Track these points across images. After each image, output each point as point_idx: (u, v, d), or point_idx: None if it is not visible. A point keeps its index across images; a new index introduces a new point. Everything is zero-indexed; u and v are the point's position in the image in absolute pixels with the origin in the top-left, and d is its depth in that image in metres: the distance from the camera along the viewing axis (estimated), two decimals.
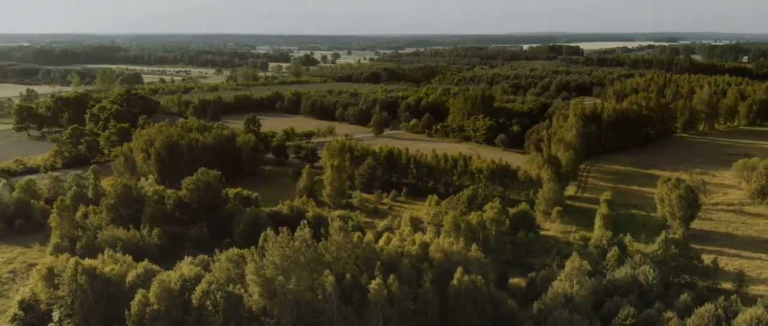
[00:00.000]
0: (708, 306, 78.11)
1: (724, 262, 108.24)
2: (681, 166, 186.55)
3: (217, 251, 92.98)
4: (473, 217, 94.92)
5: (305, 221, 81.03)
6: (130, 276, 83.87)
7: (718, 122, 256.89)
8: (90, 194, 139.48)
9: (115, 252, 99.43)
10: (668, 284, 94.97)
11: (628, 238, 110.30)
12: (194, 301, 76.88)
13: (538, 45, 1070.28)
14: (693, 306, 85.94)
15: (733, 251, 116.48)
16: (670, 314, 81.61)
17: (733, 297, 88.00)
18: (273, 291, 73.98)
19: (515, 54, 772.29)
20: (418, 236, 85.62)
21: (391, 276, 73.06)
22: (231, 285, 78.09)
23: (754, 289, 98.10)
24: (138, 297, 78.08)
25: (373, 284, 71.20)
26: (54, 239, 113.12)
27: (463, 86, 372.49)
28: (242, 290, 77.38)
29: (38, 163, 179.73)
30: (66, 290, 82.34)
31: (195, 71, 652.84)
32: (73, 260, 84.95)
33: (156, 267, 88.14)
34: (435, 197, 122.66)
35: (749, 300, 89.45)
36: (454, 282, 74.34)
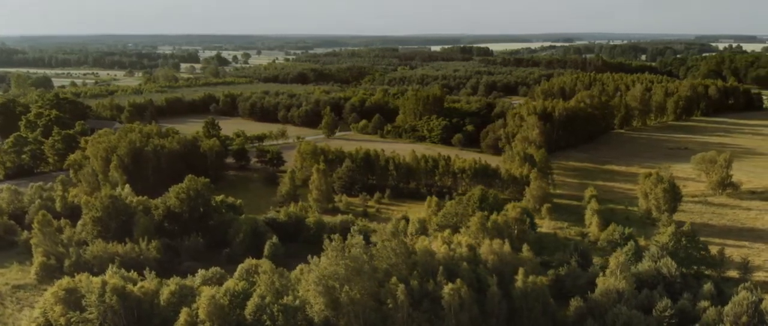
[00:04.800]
0: (744, 294, 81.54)
1: (714, 251, 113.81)
2: (634, 161, 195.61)
3: (211, 262, 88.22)
4: (499, 217, 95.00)
5: (355, 228, 78.41)
6: (165, 294, 77.97)
7: (649, 119, 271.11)
8: (58, 206, 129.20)
9: (119, 269, 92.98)
10: (682, 275, 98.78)
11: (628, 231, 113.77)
12: (248, 316, 72.56)
13: (450, 46, 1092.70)
14: (716, 295, 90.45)
15: (717, 240, 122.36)
16: (704, 303, 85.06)
17: (747, 285, 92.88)
18: (336, 301, 70.95)
19: (432, 55, 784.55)
20: (464, 239, 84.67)
21: (458, 281, 71.75)
22: (284, 298, 74.32)
23: (756, 276, 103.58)
24: (183, 315, 72.65)
25: (446, 289, 69.81)
26: (38, 257, 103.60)
27: (399, 87, 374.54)
28: (297, 301, 73.78)
29: None
30: (95, 312, 75.51)
31: (103, 74, 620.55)
32: (98, 279, 78.33)
33: (189, 283, 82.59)
34: (434, 199, 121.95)
35: (758, 288, 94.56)
36: (519, 283, 74.00)
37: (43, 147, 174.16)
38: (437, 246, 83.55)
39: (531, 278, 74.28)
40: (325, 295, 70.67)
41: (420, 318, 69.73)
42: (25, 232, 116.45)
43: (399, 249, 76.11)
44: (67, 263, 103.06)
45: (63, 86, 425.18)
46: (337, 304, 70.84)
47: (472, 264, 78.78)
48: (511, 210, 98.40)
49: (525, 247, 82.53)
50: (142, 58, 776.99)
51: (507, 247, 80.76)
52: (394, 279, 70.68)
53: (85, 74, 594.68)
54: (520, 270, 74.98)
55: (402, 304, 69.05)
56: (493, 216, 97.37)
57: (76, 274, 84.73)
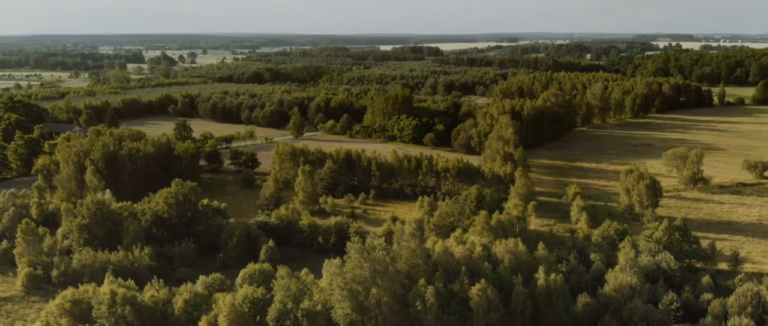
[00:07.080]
0: (748, 285, 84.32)
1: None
2: (602, 158, 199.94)
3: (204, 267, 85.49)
4: (503, 216, 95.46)
5: (375, 231, 77.39)
6: (179, 302, 75.27)
7: (608, 116, 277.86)
8: (35, 214, 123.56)
9: (116, 278, 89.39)
10: (680, 269, 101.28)
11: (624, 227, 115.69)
12: (270, 322, 70.74)
13: (400, 46, 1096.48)
14: (714, 287, 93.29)
15: (700, 234, 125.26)
16: (707, 296, 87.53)
17: (741, 276, 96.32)
18: (362, 304, 69.89)
19: (384, 55, 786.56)
20: (477, 239, 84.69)
21: (482, 281, 71.64)
22: (305, 302, 72.83)
23: (745, 268, 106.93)
24: (203, 324, 70.31)
25: (474, 290, 69.57)
26: (23, 268, 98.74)
27: (360, 87, 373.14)
28: (318, 306, 72.38)
29: None
30: (106, 324, 72.36)
31: (46, 75, 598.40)
32: (106, 289, 75.08)
33: (201, 290, 79.95)
34: (427, 199, 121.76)
35: (753, 279, 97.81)
36: (541, 282, 74.42)
37: (5, 152, 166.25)
38: (451, 245, 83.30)
39: (552, 276, 74.80)
40: (351, 299, 69.50)
41: (448, 321, 69.28)
42: (5, 241, 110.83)
43: (419, 250, 75.49)
44: (54, 273, 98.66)
45: (8, 89, 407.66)
46: (363, 308, 69.79)
47: (491, 263, 78.82)
48: (513, 209, 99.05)
49: (541, 245, 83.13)
50: (85, 59, 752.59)
51: (521, 246, 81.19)
52: (422, 281, 70.10)
53: (28, 76, 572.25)
54: (541, 269, 75.52)
55: (431, 307, 68.46)
56: (496, 215, 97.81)
57: (79, 285, 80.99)
